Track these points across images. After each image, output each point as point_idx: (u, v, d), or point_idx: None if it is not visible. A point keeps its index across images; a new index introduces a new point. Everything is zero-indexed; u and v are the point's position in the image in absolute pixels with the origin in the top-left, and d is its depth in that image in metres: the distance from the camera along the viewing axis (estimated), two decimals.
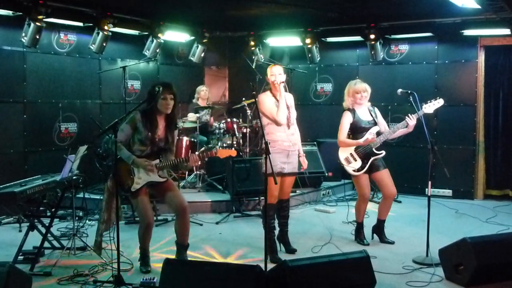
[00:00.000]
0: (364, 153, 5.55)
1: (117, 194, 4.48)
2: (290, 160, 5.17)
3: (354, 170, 5.56)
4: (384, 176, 5.61)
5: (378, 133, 5.58)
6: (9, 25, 6.90)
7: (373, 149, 5.53)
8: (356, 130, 5.57)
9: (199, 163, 5.10)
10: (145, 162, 4.63)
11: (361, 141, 5.49)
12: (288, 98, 5.22)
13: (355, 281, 4.04)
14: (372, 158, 5.54)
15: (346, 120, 5.58)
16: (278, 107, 5.09)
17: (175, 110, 4.83)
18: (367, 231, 5.83)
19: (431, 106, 5.45)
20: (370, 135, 5.51)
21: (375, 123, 5.61)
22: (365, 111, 5.64)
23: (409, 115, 5.40)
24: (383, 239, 5.77)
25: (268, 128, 5.11)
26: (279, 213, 5.36)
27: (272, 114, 5.08)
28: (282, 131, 5.11)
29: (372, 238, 5.81)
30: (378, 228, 5.82)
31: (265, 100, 5.13)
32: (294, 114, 5.24)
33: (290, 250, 5.37)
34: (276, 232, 5.40)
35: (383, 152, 5.57)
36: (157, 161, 4.72)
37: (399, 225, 6.51)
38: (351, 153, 5.59)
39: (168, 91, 4.67)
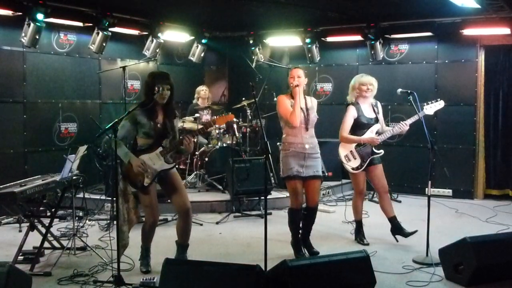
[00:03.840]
0: (364, 152, 5.55)
1: (117, 194, 4.51)
2: (308, 163, 5.09)
3: (353, 169, 5.57)
4: (378, 170, 5.62)
5: (377, 133, 5.59)
6: (9, 25, 6.90)
7: (373, 148, 5.55)
8: (358, 127, 5.55)
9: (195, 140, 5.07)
10: (138, 163, 4.57)
11: (365, 137, 5.48)
12: (309, 101, 5.21)
13: (355, 281, 4.04)
14: (370, 157, 5.55)
15: (350, 115, 5.54)
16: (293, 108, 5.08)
17: (172, 101, 4.79)
18: (367, 230, 5.82)
19: (432, 108, 5.46)
20: (371, 133, 5.52)
21: (377, 120, 5.60)
22: (368, 107, 5.63)
23: (402, 122, 5.44)
24: (405, 235, 5.55)
25: (285, 130, 5.16)
26: (304, 218, 5.26)
27: (286, 114, 5.07)
28: (298, 133, 5.09)
29: (397, 240, 5.64)
30: (395, 227, 5.65)
31: (282, 101, 5.14)
32: (314, 117, 5.19)
33: (301, 254, 5.24)
34: None
35: (382, 151, 5.60)
36: (160, 148, 4.69)
37: None
38: (351, 151, 5.59)
39: (164, 83, 4.64)
